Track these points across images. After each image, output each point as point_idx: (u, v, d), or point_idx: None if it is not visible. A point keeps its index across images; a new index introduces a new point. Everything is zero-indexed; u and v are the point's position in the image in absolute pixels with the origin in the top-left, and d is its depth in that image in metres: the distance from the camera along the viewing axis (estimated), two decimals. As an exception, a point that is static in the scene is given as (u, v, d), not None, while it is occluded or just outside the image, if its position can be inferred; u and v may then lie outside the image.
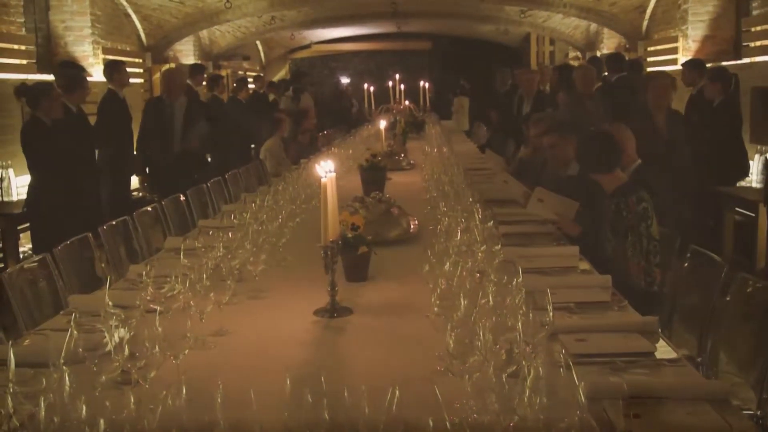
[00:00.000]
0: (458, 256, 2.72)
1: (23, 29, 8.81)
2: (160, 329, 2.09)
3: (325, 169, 2.76)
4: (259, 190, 5.49)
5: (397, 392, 1.69)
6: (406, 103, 11.14)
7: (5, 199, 6.73)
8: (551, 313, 2.16)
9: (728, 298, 3.00)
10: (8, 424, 1.78)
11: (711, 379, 2.68)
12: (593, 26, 13.85)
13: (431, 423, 1.65)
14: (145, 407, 1.76)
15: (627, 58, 9.98)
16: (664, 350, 2.52)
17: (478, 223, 3.18)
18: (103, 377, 2.03)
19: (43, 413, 1.69)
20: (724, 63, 8.64)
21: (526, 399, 1.72)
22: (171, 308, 2.39)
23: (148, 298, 2.49)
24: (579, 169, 4.57)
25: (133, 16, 11.38)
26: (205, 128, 8.08)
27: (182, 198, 5.32)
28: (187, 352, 2.23)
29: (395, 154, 7.25)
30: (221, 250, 3.01)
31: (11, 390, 1.79)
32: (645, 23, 11.85)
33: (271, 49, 19.69)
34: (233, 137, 9.86)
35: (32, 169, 6.04)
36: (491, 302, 2.21)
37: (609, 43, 13.39)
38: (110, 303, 2.35)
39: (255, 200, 4.09)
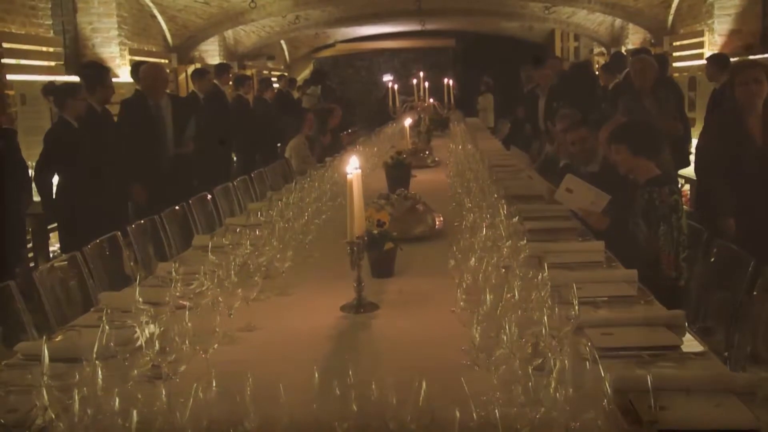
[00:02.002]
0: (483, 252, 2.73)
1: (51, 31, 8.92)
2: (189, 325, 2.13)
3: (351, 165, 2.78)
4: (285, 188, 5.53)
5: (424, 385, 1.72)
6: (431, 100, 11.13)
7: (35, 198, 6.82)
8: (577, 307, 2.17)
9: (755, 293, 2.98)
10: (44, 416, 1.82)
11: (738, 372, 2.67)
12: (618, 21, 13.76)
13: (458, 414, 1.67)
14: (176, 400, 1.80)
15: (652, 53, 9.90)
16: (690, 344, 2.51)
17: (503, 218, 3.19)
18: (135, 371, 2.06)
19: (77, 406, 1.73)
20: (751, 57, 8.56)
21: (552, 391, 1.73)
22: (200, 304, 2.42)
23: (177, 294, 2.52)
24: (600, 165, 4.59)
25: (159, 17, 11.47)
26: (193, 129, 7.45)
27: (209, 197, 5.38)
28: (216, 346, 2.26)
29: (420, 151, 7.26)
30: (248, 247, 3.04)
31: (46, 383, 1.83)
32: (670, 18, 11.76)
33: (296, 48, 19.76)
34: (260, 136, 9.92)
35: (43, 170, 6.03)
36: (517, 297, 2.23)
37: (634, 39, 13.31)
38: (140, 299, 2.39)
39: (281, 198, 4.12)
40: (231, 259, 2.85)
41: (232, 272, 2.68)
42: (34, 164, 6.61)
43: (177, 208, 4.85)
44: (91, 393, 1.81)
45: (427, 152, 7.39)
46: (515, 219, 3.25)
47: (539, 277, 2.33)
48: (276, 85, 13.58)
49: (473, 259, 2.61)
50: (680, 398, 2.03)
